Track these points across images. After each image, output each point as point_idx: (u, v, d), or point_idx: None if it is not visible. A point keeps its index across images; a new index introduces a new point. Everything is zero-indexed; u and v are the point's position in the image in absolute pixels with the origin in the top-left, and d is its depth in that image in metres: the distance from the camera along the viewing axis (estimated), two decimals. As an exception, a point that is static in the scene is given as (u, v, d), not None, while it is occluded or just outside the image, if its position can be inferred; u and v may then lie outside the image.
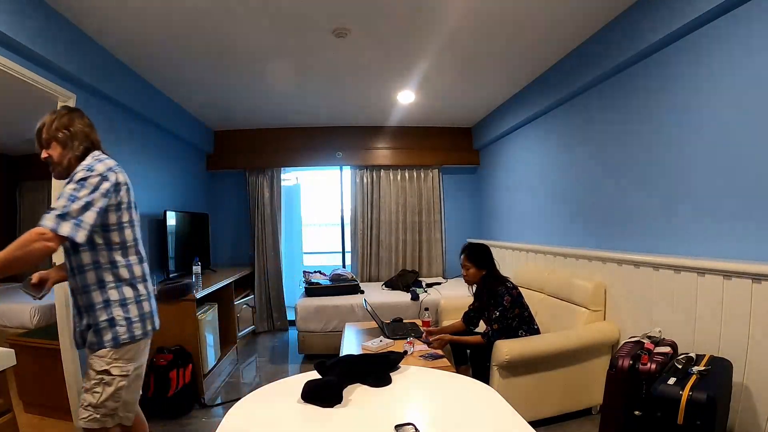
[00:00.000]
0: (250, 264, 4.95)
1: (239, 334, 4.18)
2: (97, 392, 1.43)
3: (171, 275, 3.41)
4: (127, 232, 1.50)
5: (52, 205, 1.33)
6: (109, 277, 1.45)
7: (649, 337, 1.96)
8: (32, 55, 2.07)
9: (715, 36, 1.89)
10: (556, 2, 2.26)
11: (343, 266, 5.28)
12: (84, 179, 1.37)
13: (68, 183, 1.38)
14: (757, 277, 1.66)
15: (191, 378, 2.84)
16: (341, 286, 4.08)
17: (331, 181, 5.44)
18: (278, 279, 4.89)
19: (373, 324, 3.00)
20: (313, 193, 6.29)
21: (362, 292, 4.08)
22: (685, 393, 1.47)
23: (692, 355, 1.69)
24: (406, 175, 5.02)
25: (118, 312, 1.44)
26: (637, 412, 1.70)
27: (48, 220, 1.28)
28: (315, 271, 4.42)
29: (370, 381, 1.39)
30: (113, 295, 1.45)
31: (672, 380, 1.55)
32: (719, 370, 1.61)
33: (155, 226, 3.46)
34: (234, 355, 3.93)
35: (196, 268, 3.28)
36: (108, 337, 1.43)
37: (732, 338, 1.77)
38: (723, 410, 1.56)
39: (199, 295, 3.02)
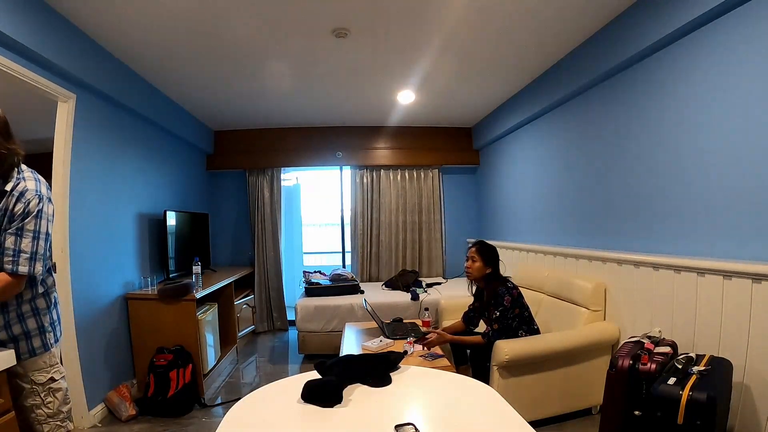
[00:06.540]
0: (250, 264, 4.96)
1: (239, 334, 4.18)
2: (50, 401, 1.46)
3: (171, 275, 3.42)
4: (48, 242, 1.47)
5: (15, 246, 1.31)
6: (39, 289, 1.46)
7: (649, 337, 1.95)
8: (32, 55, 2.07)
9: (714, 36, 1.89)
10: (556, 2, 2.27)
11: (343, 266, 5.27)
12: (41, 210, 1.35)
13: (24, 216, 1.32)
14: (757, 277, 1.66)
15: (191, 378, 2.84)
16: (341, 286, 4.07)
17: (331, 181, 5.44)
18: (278, 279, 4.89)
19: (373, 324, 2.99)
20: (313, 193, 6.29)
21: (362, 292, 4.08)
22: (685, 393, 1.47)
23: (692, 355, 1.69)
24: (406, 175, 5.02)
25: (46, 319, 1.48)
26: (637, 412, 1.71)
27: (21, 266, 1.32)
28: (315, 271, 4.42)
29: (370, 381, 1.39)
30: (41, 303, 1.47)
31: (672, 380, 1.55)
32: (719, 370, 1.61)
33: (155, 226, 3.46)
34: (234, 355, 3.94)
35: (196, 268, 3.29)
36: (38, 343, 1.45)
37: (732, 338, 1.78)
38: (723, 410, 1.55)
39: (199, 295, 3.02)
